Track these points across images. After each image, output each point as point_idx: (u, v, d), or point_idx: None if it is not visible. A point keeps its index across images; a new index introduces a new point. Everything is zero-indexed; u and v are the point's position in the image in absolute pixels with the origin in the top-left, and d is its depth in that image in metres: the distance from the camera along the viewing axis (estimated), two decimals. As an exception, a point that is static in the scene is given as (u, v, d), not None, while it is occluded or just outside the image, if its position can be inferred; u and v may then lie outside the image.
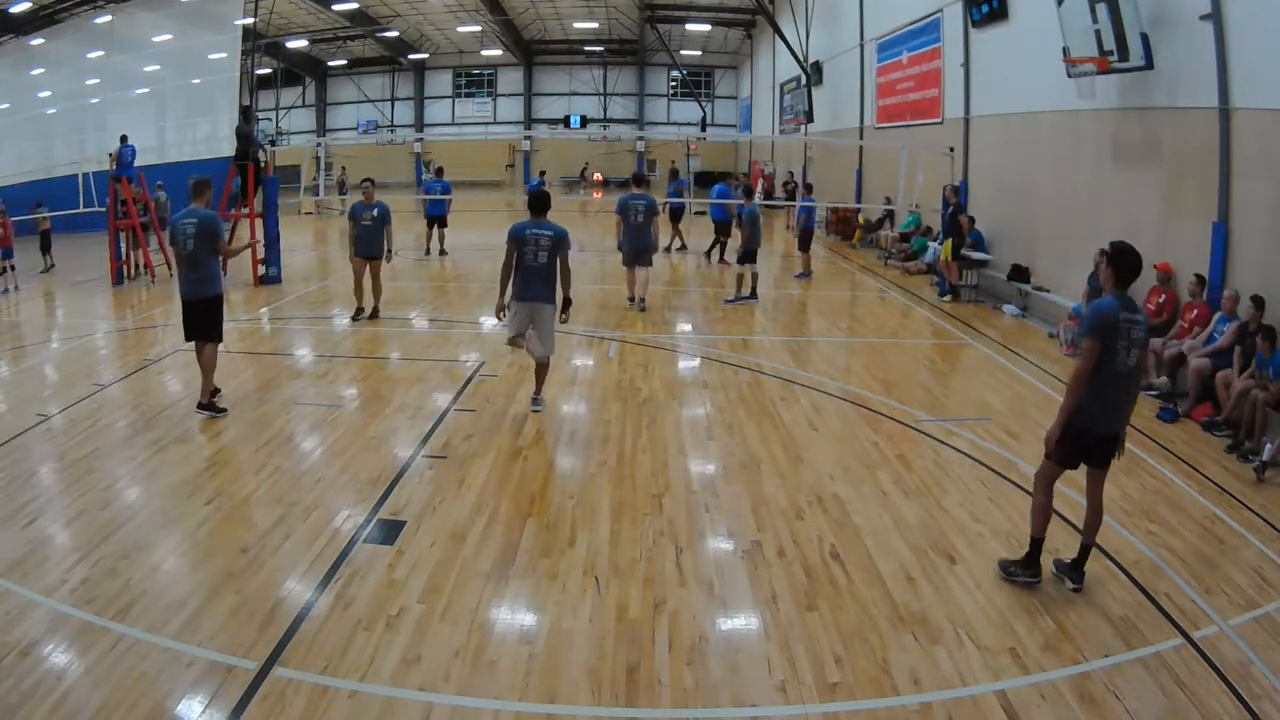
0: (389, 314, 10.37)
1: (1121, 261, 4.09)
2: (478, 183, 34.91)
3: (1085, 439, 4.07)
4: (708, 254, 15.18)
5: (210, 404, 6.55)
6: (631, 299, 10.81)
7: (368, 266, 10.05)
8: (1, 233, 12.67)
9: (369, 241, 9.93)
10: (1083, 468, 4.20)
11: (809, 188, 16.64)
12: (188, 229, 6.35)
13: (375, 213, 9.92)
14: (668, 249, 16.13)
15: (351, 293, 10.26)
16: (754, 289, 11.40)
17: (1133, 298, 4.10)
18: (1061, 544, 4.45)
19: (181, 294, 6.59)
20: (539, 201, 6.48)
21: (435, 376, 7.78)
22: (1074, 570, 4.21)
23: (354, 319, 10.10)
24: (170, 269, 9.21)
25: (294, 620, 3.77)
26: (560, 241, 6.35)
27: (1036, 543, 4.21)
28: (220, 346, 6.87)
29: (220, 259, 6.64)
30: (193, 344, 6.71)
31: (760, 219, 11.69)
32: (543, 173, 24.91)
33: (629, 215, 10.62)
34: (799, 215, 15.17)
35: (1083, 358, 4.02)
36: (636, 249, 10.69)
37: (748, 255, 11.30)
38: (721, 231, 14.98)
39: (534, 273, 6.33)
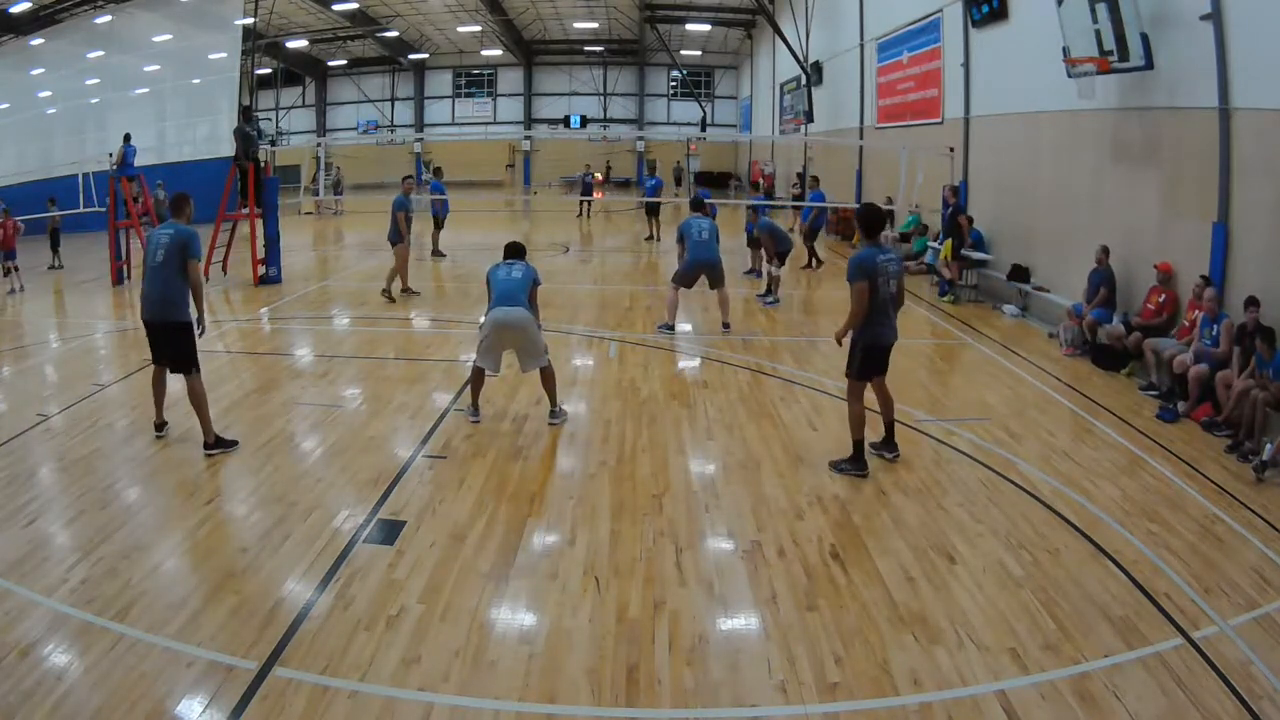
0: (389, 314, 10.69)
1: (865, 219, 5.44)
2: (477, 183, 34.90)
3: (874, 352, 5.40)
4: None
5: (218, 439, 5.86)
6: (669, 326, 9.56)
7: None
8: (1, 235, 12.63)
9: None
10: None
11: (755, 185, 15.31)
12: (162, 238, 5.77)
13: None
14: (649, 238, 18.45)
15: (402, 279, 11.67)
16: (774, 289, 11.43)
17: (882, 244, 5.39)
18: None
19: (141, 315, 5.90)
20: (514, 248, 6.66)
21: (435, 376, 7.78)
22: (889, 444, 5.65)
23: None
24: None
25: (294, 620, 3.77)
26: (529, 274, 6.40)
27: (858, 444, 5.44)
28: (221, 347, 6.82)
29: (190, 287, 5.77)
30: (156, 368, 6.01)
31: (775, 225, 11.70)
32: (588, 166, 24.47)
33: (692, 234, 9.34)
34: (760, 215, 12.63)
35: (857, 297, 5.20)
36: (711, 267, 9.40)
37: (781, 258, 11.42)
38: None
39: (508, 286, 6.27)
